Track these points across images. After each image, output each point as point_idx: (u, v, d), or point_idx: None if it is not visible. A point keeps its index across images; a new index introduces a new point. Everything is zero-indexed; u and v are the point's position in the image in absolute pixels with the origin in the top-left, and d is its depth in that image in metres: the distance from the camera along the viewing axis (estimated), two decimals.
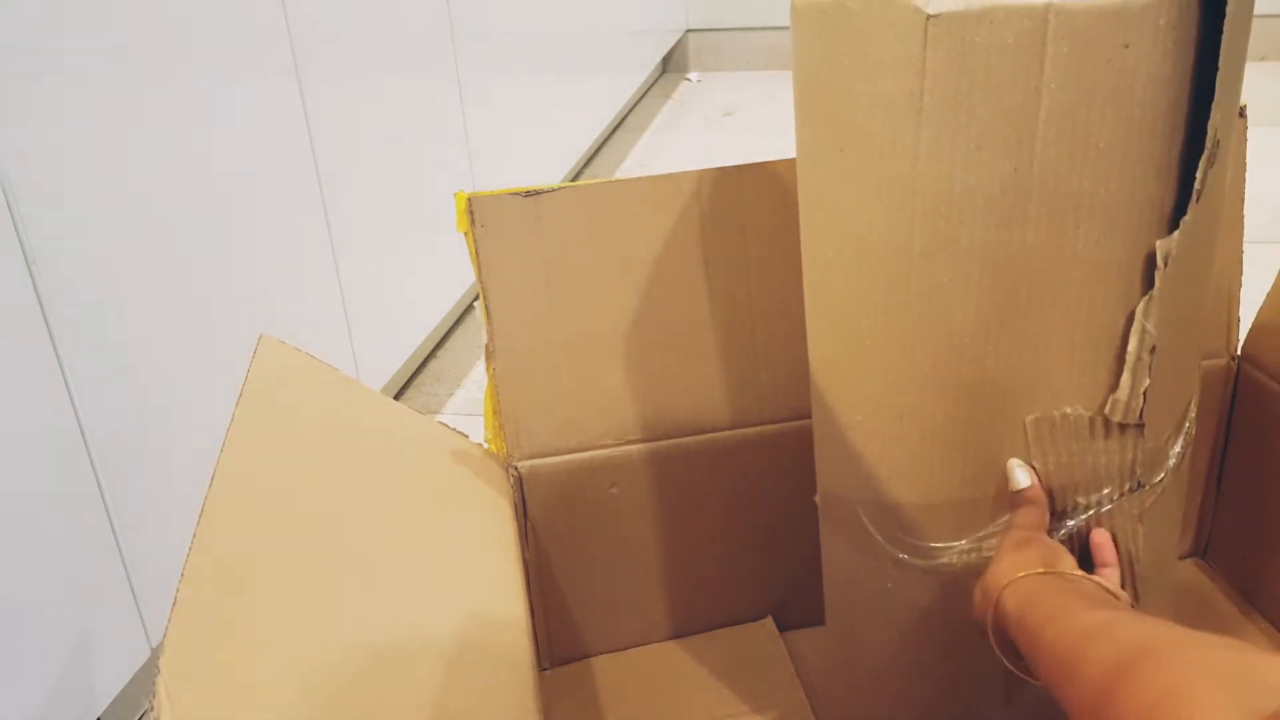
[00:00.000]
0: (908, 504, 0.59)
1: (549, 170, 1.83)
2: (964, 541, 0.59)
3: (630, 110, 2.34)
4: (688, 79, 2.54)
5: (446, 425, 0.74)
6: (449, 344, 1.56)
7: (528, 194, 0.69)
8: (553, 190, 0.70)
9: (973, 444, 0.57)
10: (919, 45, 0.49)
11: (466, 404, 1.43)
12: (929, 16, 0.48)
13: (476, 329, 1.59)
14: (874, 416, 0.59)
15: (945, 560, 0.60)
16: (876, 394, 0.58)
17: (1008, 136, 0.49)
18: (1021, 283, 0.52)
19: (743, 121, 2.23)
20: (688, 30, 2.55)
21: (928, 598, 0.61)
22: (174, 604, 0.48)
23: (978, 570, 0.57)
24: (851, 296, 0.57)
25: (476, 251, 0.70)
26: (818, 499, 0.66)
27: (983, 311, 0.53)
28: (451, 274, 1.48)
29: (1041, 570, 0.53)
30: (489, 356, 0.74)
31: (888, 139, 0.51)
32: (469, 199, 0.69)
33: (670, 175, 0.71)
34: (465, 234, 0.70)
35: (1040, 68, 0.48)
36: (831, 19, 0.52)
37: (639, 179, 0.71)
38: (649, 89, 2.47)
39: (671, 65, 2.59)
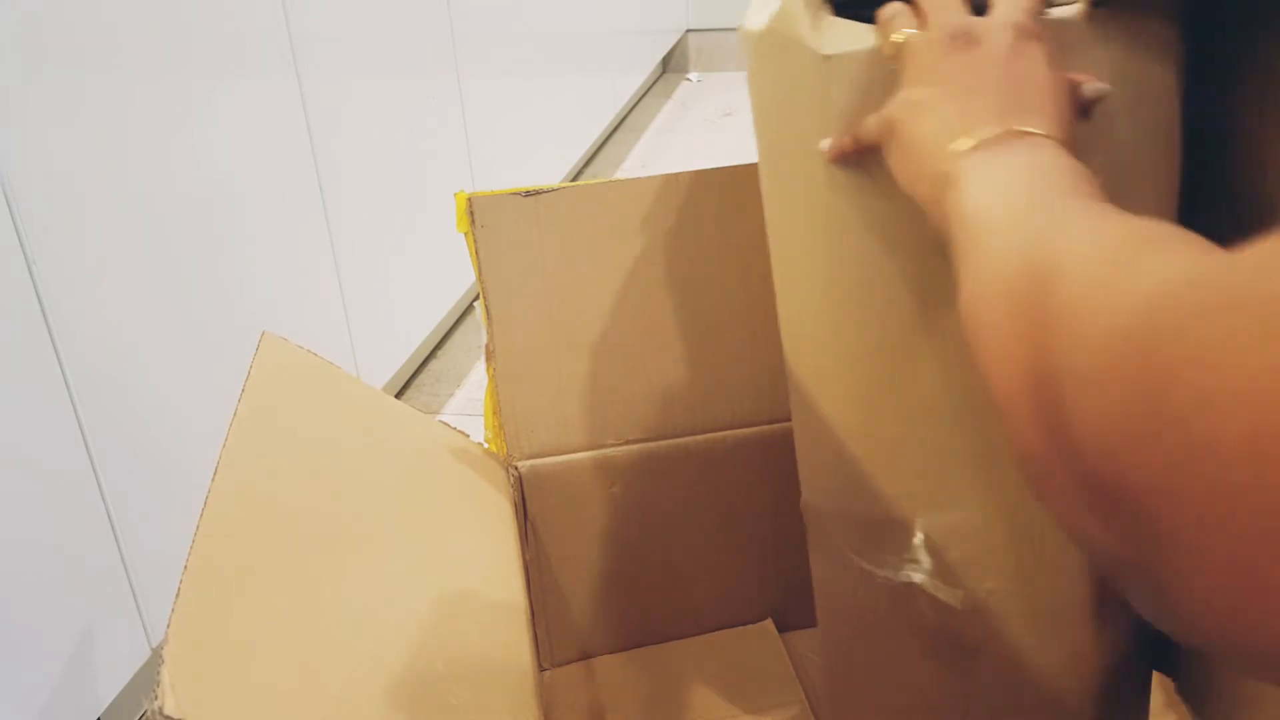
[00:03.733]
0: (869, 518, 0.59)
1: (549, 170, 1.83)
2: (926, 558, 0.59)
3: (630, 110, 2.34)
4: (688, 79, 2.54)
5: (447, 425, 0.74)
6: (449, 344, 1.56)
7: (528, 194, 0.69)
8: (553, 190, 0.70)
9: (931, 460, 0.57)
10: (822, 83, 0.50)
11: (466, 404, 1.43)
12: (825, 58, 0.49)
13: (476, 329, 1.59)
14: (829, 431, 0.59)
15: (907, 572, 0.59)
16: (830, 411, 0.58)
17: None
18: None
19: (743, 121, 2.22)
20: (688, 30, 2.55)
21: (897, 607, 0.61)
22: (177, 597, 0.48)
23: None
24: (799, 318, 0.58)
25: (476, 251, 0.70)
26: (801, 506, 0.66)
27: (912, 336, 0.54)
28: (451, 274, 1.48)
29: (1002, 131, 0.42)
30: (489, 356, 0.74)
31: (806, 170, 0.52)
32: (469, 199, 0.68)
33: (670, 175, 0.71)
34: (465, 234, 0.69)
35: None
36: (765, 48, 0.53)
37: (639, 179, 0.71)
38: (649, 89, 2.46)
39: (671, 65, 2.59)
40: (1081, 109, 0.47)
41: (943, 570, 0.57)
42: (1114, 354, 0.26)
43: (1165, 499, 0.24)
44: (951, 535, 0.56)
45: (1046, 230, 0.35)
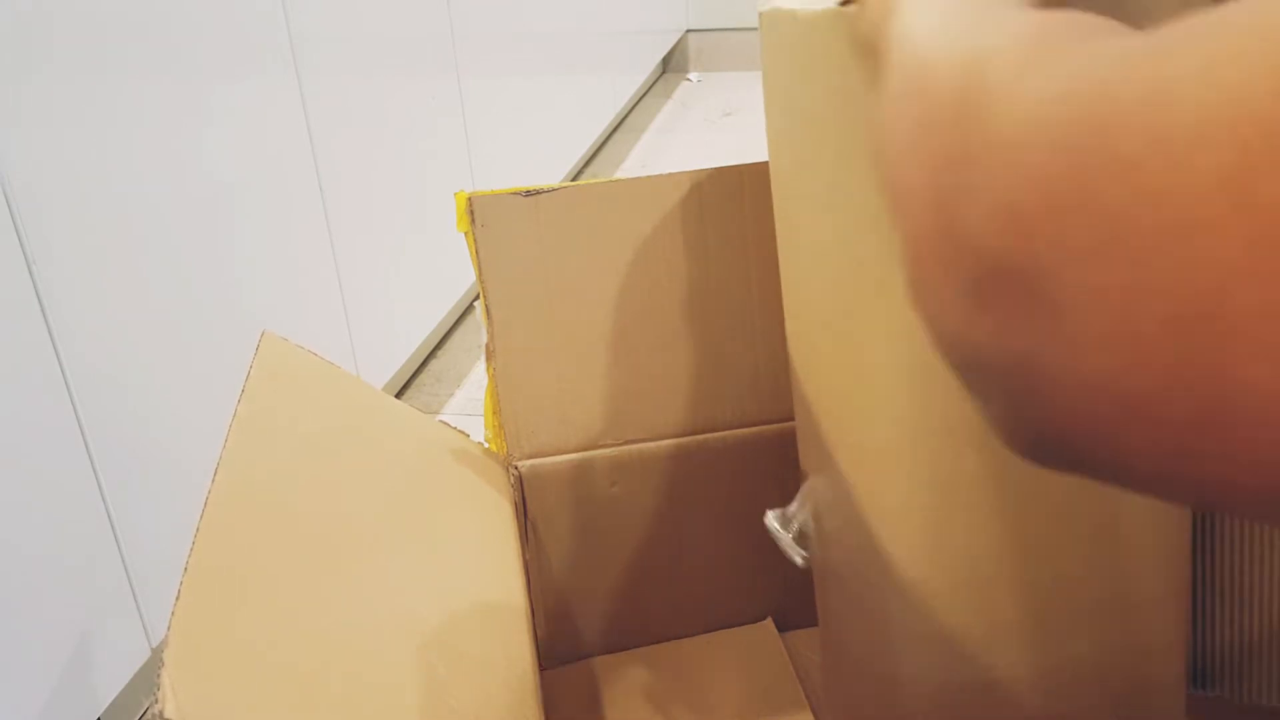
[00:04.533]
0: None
1: (549, 170, 1.83)
2: None
3: (630, 110, 2.34)
4: (688, 79, 2.54)
5: (448, 424, 0.74)
6: (449, 344, 1.56)
7: (528, 193, 0.69)
8: (553, 190, 0.70)
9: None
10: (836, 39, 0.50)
11: (467, 404, 1.43)
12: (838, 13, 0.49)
13: (476, 329, 1.59)
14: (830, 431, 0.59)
15: None
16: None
17: None
18: None
19: (743, 121, 2.23)
20: (688, 30, 2.55)
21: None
22: (177, 599, 0.48)
23: None
24: (807, 305, 0.58)
25: (477, 251, 0.70)
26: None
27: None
28: (451, 275, 1.48)
29: None
30: (489, 356, 0.74)
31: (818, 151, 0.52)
32: (469, 198, 0.69)
33: (671, 175, 0.71)
34: (465, 234, 0.69)
35: None
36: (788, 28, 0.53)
37: (640, 179, 0.71)
38: (649, 89, 2.46)
39: (671, 65, 2.59)
40: None
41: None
42: (1044, 116, 0.24)
43: (1078, 268, 0.22)
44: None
45: (974, 25, 0.32)
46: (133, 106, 0.89)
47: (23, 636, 0.82)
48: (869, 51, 0.44)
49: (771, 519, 0.64)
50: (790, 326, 0.62)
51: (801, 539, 0.63)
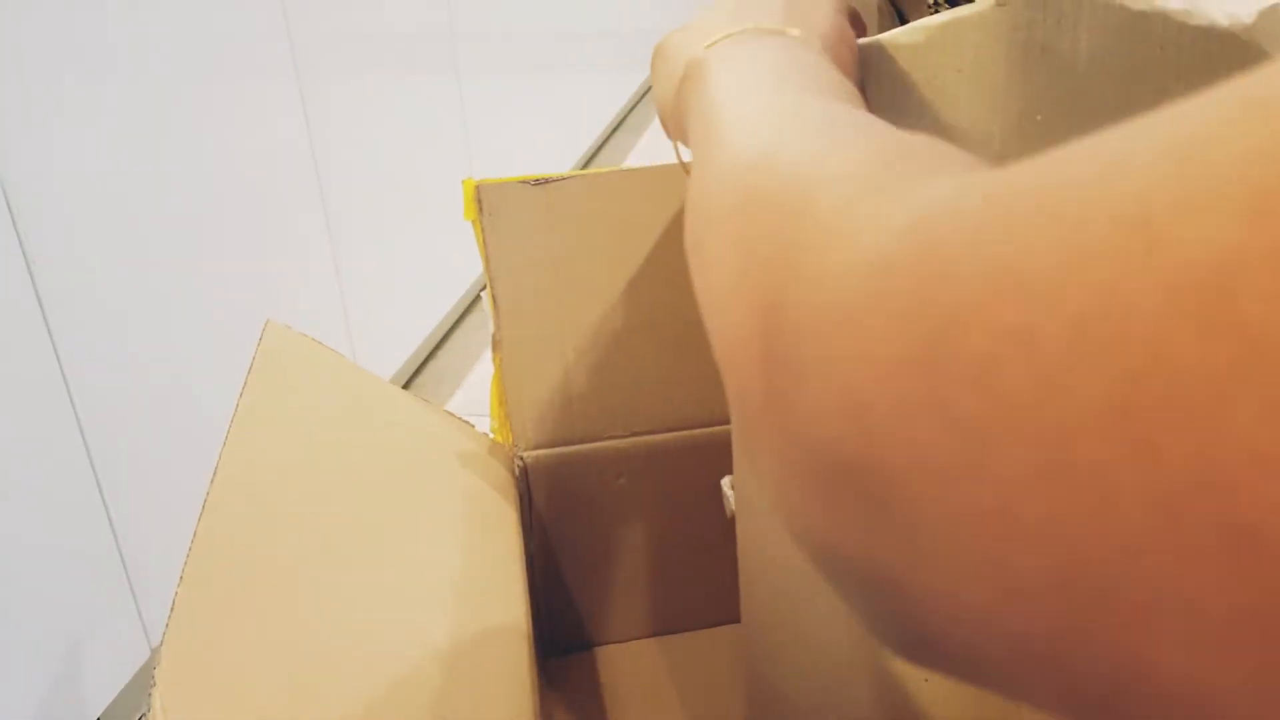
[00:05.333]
0: None
1: (549, 169, 1.83)
2: None
3: (630, 110, 2.33)
4: None
5: (453, 414, 0.74)
6: (449, 344, 1.56)
7: (536, 182, 0.68)
8: (562, 179, 0.69)
9: None
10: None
11: (467, 404, 1.42)
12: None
13: (476, 330, 1.58)
14: None
15: None
16: None
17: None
18: None
19: None
20: None
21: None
22: (171, 611, 0.47)
23: None
24: None
25: (484, 240, 0.69)
26: None
27: None
28: (451, 275, 1.48)
29: (757, 29, 0.38)
30: (495, 346, 0.73)
31: None
32: (477, 186, 0.68)
33: (682, 163, 0.70)
34: (472, 222, 0.69)
35: None
36: None
37: (649, 168, 0.71)
38: (649, 89, 2.46)
39: None
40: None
41: None
42: (876, 282, 0.19)
43: (933, 483, 0.17)
44: None
45: (796, 131, 0.28)
46: (129, 106, 0.89)
47: (21, 636, 0.81)
48: (665, 124, 0.41)
49: (725, 482, 0.65)
50: None
51: None
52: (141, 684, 0.94)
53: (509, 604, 0.62)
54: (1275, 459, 0.12)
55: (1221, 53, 0.35)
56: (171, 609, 0.49)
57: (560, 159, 1.90)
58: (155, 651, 0.93)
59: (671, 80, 0.40)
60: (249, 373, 0.64)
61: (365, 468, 0.66)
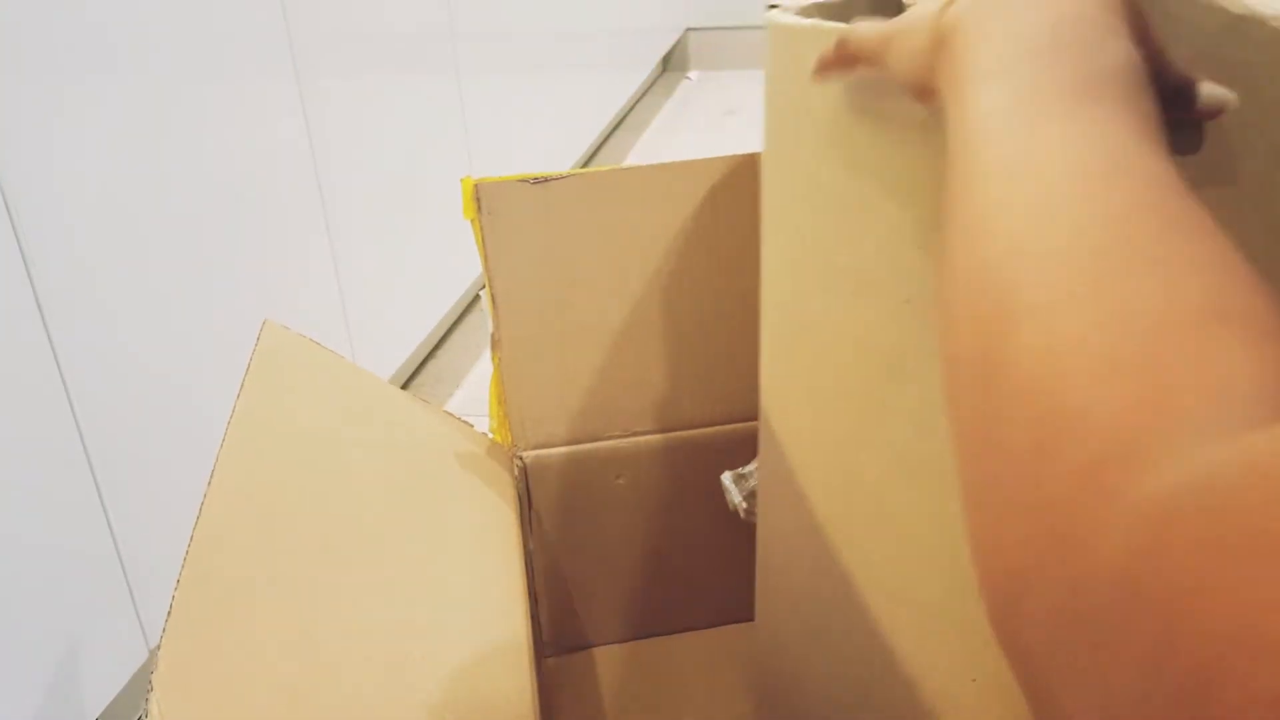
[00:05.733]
0: None
1: (548, 168, 1.82)
2: None
3: (630, 109, 2.33)
4: (687, 78, 2.53)
5: (452, 415, 0.73)
6: (448, 344, 1.55)
7: (536, 181, 0.68)
8: (562, 177, 0.69)
9: None
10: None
11: (466, 404, 1.42)
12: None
13: (475, 330, 1.58)
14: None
15: None
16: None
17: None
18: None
19: (743, 121, 2.22)
20: (688, 29, 2.55)
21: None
22: (168, 616, 0.47)
23: None
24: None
25: (483, 239, 0.69)
26: None
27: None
28: (450, 274, 1.47)
29: None
30: (494, 345, 0.73)
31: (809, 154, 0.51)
32: (476, 185, 0.67)
33: (681, 163, 0.70)
34: (471, 221, 0.68)
35: None
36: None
37: (650, 166, 0.70)
38: (649, 88, 2.46)
39: (671, 64, 2.58)
40: (1190, 120, 0.36)
41: None
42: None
43: None
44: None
45: (1082, 252, 0.23)
46: (127, 105, 0.88)
47: (19, 638, 0.81)
48: (916, 90, 0.36)
49: (727, 477, 0.66)
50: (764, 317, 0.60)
51: (750, 498, 0.65)
52: (140, 686, 0.94)
53: (508, 604, 0.61)
54: None
55: None
56: (169, 611, 0.48)
57: (560, 158, 1.90)
58: (153, 653, 0.93)
59: (912, 54, 0.34)
60: (246, 373, 0.63)
61: (363, 468, 0.66)
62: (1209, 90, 0.35)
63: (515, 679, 0.56)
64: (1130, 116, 0.26)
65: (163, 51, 0.92)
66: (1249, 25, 0.38)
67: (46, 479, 0.82)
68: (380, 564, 0.59)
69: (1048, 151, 0.25)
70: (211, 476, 0.56)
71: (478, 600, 0.61)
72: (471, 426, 0.74)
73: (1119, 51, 0.28)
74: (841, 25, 0.47)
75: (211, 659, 0.48)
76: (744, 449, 0.77)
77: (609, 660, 0.82)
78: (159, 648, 0.45)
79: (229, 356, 0.80)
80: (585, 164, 2.07)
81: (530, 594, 0.63)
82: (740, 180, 0.71)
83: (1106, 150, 0.25)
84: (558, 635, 0.81)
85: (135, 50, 0.89)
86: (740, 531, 0.80)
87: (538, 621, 0.76)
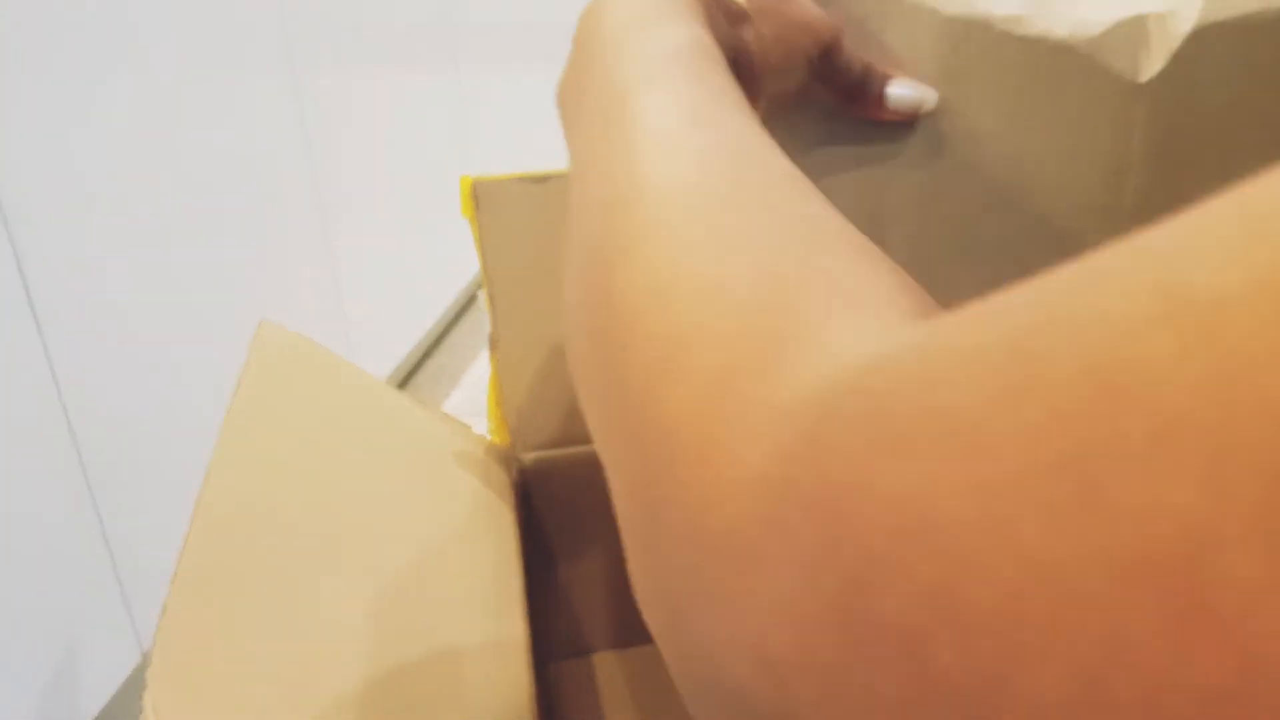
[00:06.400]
0: None
1: (548, 166, 1.82)
2: None
3: None
4: None
5: (449, 415, 0.73)
6: (446, 344, 1.55)
7: (535, 179, 0.68)
8: (562, 176, 0.68)
9: None
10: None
11: (465, 403, 1.41)
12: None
13: (473, 329, 1.57)
14: None
15: None
16: None
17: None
18: None
19: None
20: None
21: None
22: (163, 613, 0.47)
23: None
24: None
25: (480, 238, 0.68)
26: None
27: None
28: (448, 275, 1.47)
29: None
30: (492, 346, 0.72)
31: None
32: (473, 183, 0.67)
33: None
34: (469, 219, 0.68)
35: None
36: None
37: None
38: None
39: None
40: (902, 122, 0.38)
41: None
42: (770, 508, 0.17)
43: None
44: None
45: (674, 181, 0.24)
46: (124, 103, 0.88)
47: (13, 642, 0.80)
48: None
49: None
50: None
51: None
52: (134, 688, 0.93)
53: (506, 608, 0.61)
54: None
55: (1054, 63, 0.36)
56: (163, 612, 0.48)
57: (560, 157, 1.89)
58: (146, 655, 0.92)
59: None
60: (242, 373, 0.63)
61: (360, 469, 0.65)
62: (899, 90, 0.37)
63: (514, 680, 0.55)
64: (698, 85, 0.28)
65: (158, 50, 0.91)
66: (973, 29, 0.37)
67: (38, 482, 0.81)
68: (376, 565, 0.59)
69: (635, 117, 0.27)
70: (206, 477, 0.56)
71: (476, 604, 0.60)
72: (469, 427, 0.74)
73: (679, 34, 0.30)
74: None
75: (206, 658, 0.47)
76: None
77: (608, 666, 0.81)
78: (153, 647, 0.45)
79: (224, 356, 0.80)
80: None
81: (529, 598, 0.63)
82: None
83: (691, 108, 0.26)
84: (556, 640, 0.81)
85: (130, 47, 0.88)
86: None
87: (536, 626, 0.75)
